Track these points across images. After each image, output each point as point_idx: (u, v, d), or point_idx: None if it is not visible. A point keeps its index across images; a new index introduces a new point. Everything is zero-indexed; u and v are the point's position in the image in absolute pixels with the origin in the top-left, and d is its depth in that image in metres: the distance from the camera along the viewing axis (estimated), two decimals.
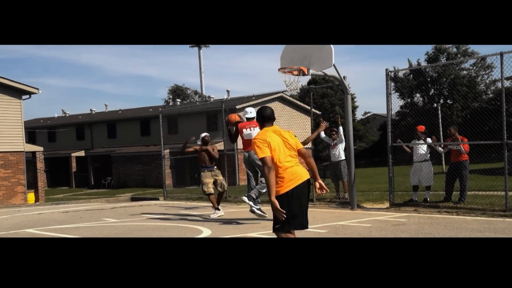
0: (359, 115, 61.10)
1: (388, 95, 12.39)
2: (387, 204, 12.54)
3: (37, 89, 25.01)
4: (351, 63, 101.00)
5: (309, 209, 5.74)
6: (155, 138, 35.12)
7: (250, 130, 10.21)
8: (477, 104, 42.25)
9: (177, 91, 68.25)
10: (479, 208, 10.96)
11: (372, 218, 10.37)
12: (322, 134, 14.19)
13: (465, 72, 49.23)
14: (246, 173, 10.92)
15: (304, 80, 13.06)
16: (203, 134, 12.34)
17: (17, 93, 24.46)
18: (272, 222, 5.62)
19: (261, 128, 5.81)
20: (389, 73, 12.45)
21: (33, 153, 26.13)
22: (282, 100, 37.24)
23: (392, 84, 12.76)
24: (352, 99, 54.01)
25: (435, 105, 41.20)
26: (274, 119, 5.81)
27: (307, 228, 5.64)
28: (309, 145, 13.13)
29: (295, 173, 5.50)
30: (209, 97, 49.79)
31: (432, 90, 49.54)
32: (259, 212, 9.79)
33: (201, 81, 66.33)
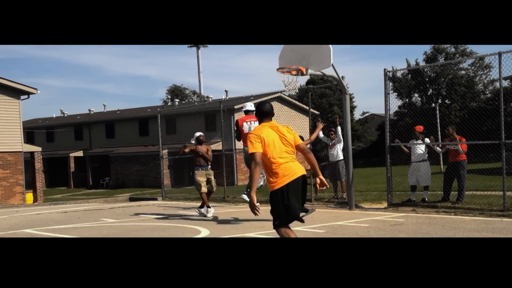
0: (357, 115, 61.25)
1: (386, 95, 12.40)
2: (385, 204, 12.54)
3: (36, 89, 25.01)
4: (349, 63, 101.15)
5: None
6: (153, 138, 35.11)
7: (250, 124, 10.19)
8: (475, 104, 42.35)
9: (176, 91, 68.26)
10: (477, 208, 10.98)
11: (370, 218, 10.38)
12: (321, 134, 14.20)
13: (463, 72, 49.32)
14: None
15: (302, 80, 13.08)
16: (198, 134, 12.31)
17: (15, 93, 24.45)
18: (271, 222, 5.64)
19: (259, 123, 5.83)
20: (388, 73, 12.46)
21: (32, 153, 26.12)
22: (281, 100, 37.26)
23: (391, 84, 12.76)
24: (351, 99, 54.08)
25: (433, 105, 41.25)
26: (272, 114, 5.83)
27: (299, 217, 5.66)
28: (308, 145, 13.13)
29: (289, 168, 5.52)
30: (207, 97, 49.75)
31: (430, 90, 49.62)
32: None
33: (199, 81, 66.20)
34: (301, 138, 10.12)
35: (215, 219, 11.23)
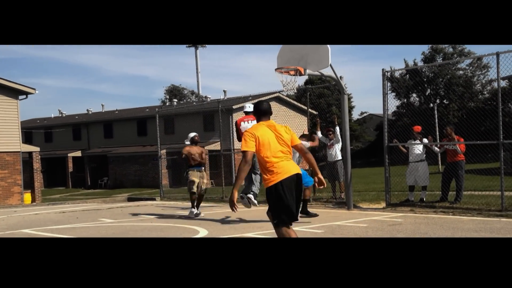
0: (355, 115, 61.31)
1: (385, 95, 12.41)
2: (383, 204, 12.55)
3: (34, 89, 24.98)
4: (347, 63, 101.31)
5: None
6: (151, 138, 35.11)
7: (247, 123, 10.20)
8: (473, 104, 42.40)
9: (174, 91, 68.25)
10: (475, 208, 10.98)
11: (368, 218, 10.39)
12: (319, 134, 14.22)
13: (461, 72, 49.35)
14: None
15: (300, 80, 13.10)
16: (193, 134, 12.30)
17: (13, 93, 24.42)
18: (269, 223, 5.66)
19: (257, 122, 5.85)
20: (386, 73, 12.47)
21: (30, 153, 26.10)
22: (279, 100, 37.26)
23: (389, 84, 12.78)
24: (349, 99, 54.15)
25: (432, 105, 41.30)
26: (270, 113, 5.85)
27: (297, 220, 5.70)
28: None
29: (282, 167, 5.55)
30: (205, 97, 49.75)
31: (429, 90, 49.61)
32: (254, 201, 9.67)
33: (197, 81, 66.49)
34: (312, 135, 10.13)
35: (213, 219, 11.22)
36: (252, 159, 5.64)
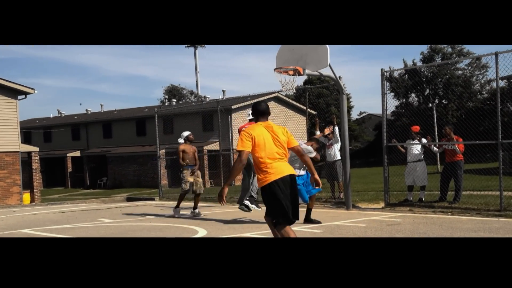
0: (354, 115, 61.25)
1: (384, 95, 12.42)
2: (382, 204, 12.56)
3: (33, 89, 24.96)
4: (346, 63, 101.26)
5: None
6: (150, 138, 35.06)
7: None
8: (472, 104, 42.42)
9: (173, 91, 68.20)
10: (474, 208, 10.99)
11: (367, 218, 10.39)
12: (318, 134, 14.25)
13: (460, 72, 49.32)
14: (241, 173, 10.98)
15: (299, 80, 13.10)
16: (187, 133, 12.28)
17: (12, 93, 24.40)
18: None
19: (255, 122, 5.87)
20: (385, 73, 12.48)
21: (29, 153, 26.08)
22: (278, 100, 37.26)
23: (388, 84, 12.80)
24: (348, 99, 54.11)
25: (430, 105, 41.32)
26: (268, 114, 5.87)
27: (293, 222, 5.72)
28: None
29: (275, 167, 5.58)
30: (204, 97, 49.77)
31: (427, 90, 49.59)
32: (252, 205, 10.00)
33: (196, 81, 66.42)
34: (317, 139, 10.25)
35: (213, 219, 11.23)
36: (247, 159, 5.69)
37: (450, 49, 50.12)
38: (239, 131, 10.53)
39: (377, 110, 64.29)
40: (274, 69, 11.39)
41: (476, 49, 71.35)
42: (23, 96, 24.99)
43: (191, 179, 11.93)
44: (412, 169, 12.46)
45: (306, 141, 10.19)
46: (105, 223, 11.40)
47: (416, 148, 12.49)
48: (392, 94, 46.48)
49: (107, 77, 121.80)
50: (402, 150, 12.75)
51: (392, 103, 52.29)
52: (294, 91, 12.54)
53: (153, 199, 18.88)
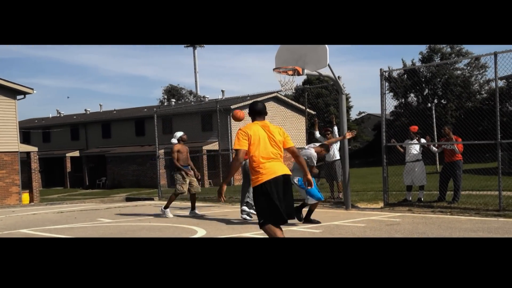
0: (353, 115, 61.30)
1: (383, 95, 12.42)
2: (381, 204, 12.56)
3: (32, 89, 24.95)
4: (345, 63, 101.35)
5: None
6: (149, 138, 35.10)
7: None
8: (471, 104, 42.46)
9: (172, 91, 68.27)
10: (473, 208, 10.99)
11: (366, 218, 10.39)
12: (317, 134, 14.26)
13: (459, 72, 49.40)
14: (242, 176, 11.04)
15: (299, 80, 13.09)
16: (180, 133, 12.27)
17: (11, 93, 24.39)
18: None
19: (252, 121, 5.90)
20: (384, 73, 12.48)
21: (28, 153, 26.06)
22: (277, 100, 37.28)
23: (387, 84, 12.81)
24: (347, 99, 54.10)
25: (429, 105, 41.34)
26: (265, 113, 5.90)
27: (286, 222, 5.74)
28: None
29: (268, 168, 5.60)
30: (203, 97, 49.78)
31: (426, 90, 49.68)
32: (250, 211, 10.27)
33: (195, 81, 66.32)
34: (327, 146, 10.34)
35: (212, 219, 11.23)
36: (244, 159, 5.72)
37: (449, 49, 50.22)
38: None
39: (376, 110, 64.33)
40: (273, 69, 11.39)
41: (475, 49, 71.41)
42: (22, 96, 24.97)
43: (188, 180, 11.95)
44: (411, 169, 12.47)
45: (315, 145, 10.18)
46: (104, 223, 11.40)
47: (414, 148, 12.49)
48: (391, 94, 46.58)
49: (106, 77, 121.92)
50: (401, 150, 12.76)
51: (391, 103, 52.39)
52: (293, 91, 12.54)
53: (152, 199, 18.86)
